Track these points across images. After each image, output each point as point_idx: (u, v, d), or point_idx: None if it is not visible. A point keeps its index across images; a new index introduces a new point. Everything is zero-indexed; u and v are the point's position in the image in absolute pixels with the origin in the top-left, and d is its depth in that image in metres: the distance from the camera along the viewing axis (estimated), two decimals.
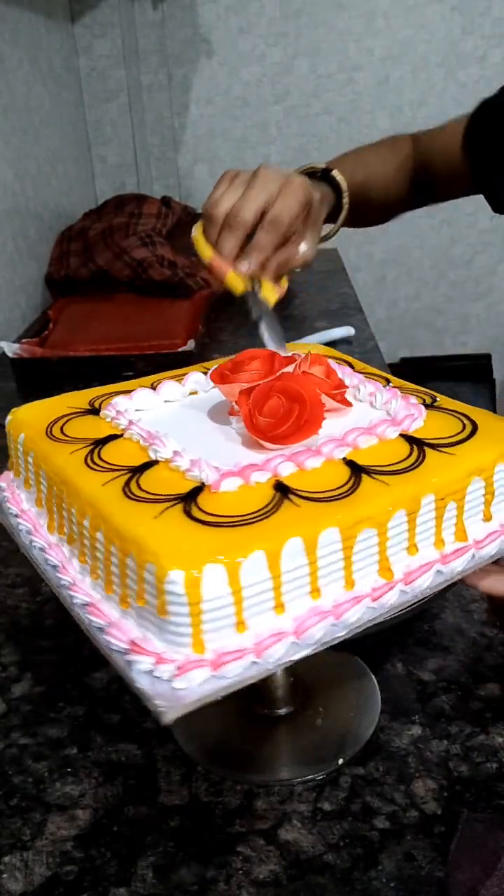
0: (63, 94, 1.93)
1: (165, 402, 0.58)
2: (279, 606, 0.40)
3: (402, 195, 0.93)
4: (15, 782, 0.53)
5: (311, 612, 0.41)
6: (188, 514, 0.41)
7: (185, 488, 0.44)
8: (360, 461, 0.46)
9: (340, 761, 0.53)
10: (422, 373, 2.49)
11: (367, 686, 0.59)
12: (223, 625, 0.39)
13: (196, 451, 0.47)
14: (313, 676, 0.60)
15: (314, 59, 2.24)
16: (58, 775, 0.54)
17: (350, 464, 0.46)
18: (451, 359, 2.58)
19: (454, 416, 0.52)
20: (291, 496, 0.43)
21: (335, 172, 0.79)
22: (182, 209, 1.89)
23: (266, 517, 0.41)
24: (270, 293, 0.66)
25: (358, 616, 0.42)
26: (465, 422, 0.51)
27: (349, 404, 0.53)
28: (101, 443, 0.51)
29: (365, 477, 0.44)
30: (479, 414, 0.52)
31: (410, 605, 0.45)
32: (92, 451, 0.50)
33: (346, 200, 0.80)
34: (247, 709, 0.58)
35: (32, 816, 0.51)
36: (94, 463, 0.48)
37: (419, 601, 0.45)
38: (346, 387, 0.55)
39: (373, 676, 0.60)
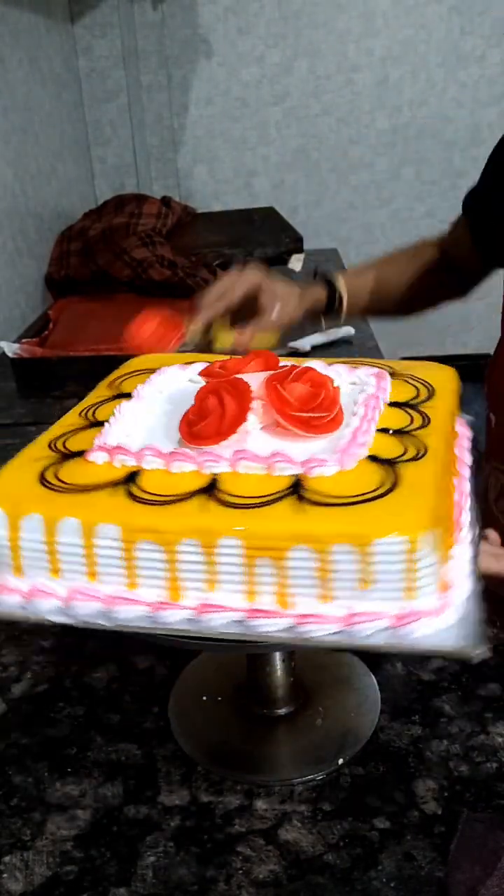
0: (63, 94, 1.93)
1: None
2: (54, 570, 0.44)
3: (421, 299, 1.02)
4: (15, 782, 0.53)
5: (84, 590, 0.44)
6: (44, 469, 0.47)
7: (76, 449, 0.49)
8: (220, 484, 0.44)
9: (340, 761, 0.53)
10: None
11: (367, 686, 0.59)
12: (2, 562, 0.45)
13: (138, 427, 0.51)
14: (313, 676, 0.60)
15: (313, 59, 2.24)
16: (58, 775, 0.54)
17: (209, 482, 0.44)
18: (451, 359, 2.57)
19: (390, 473, 0.45)
20: (127, 486, 0.44)
21: (339, 282, 0.91)
22: (182, 209, 1.89)
23: (83, 492, 0.44)
24: (225, 338, 0.79)
25: (130, 617, 0.43)
26: (384, 487, 0.44)
27: (307, 431, 0.49)
28: (118, 397, 0.56)
29: (201, 496, 0.43)
30: (408, 490, 0.44)
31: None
32: (96, 405, 0.55)
33: (342, 295, 0.90)
34: (247, 709, 0.58)
35: (32, 816, 0.51)
36: (86, 415, 0.54)
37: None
38: (320, 415, 0.49)
39: (373, 676, 0.60)
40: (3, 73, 1.50)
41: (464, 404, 0.60)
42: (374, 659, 0.62)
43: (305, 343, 1.28)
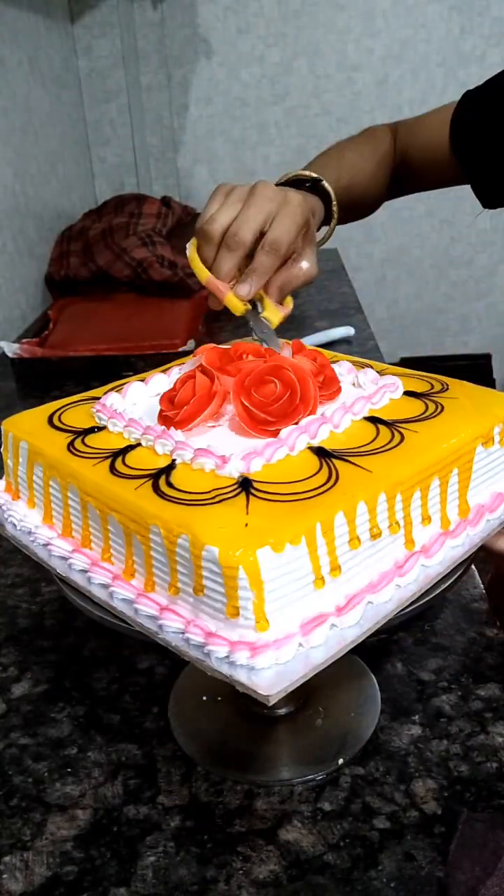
0: (62, 94, 1.93)
1: None
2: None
3: (382, 190, 0.93)
4: (15, 782, 0.53)
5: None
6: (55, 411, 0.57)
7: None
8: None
9: (340, 761, 0.53)
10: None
11: (367, 686, 0.59)
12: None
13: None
14: (313, 676, 0.60)
15: (313, 59, 2.24)
16: (58, 775, 0.54)
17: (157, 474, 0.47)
18: (451, 359, 2.58)
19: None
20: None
21: (325, 183, 0.78)
22: (182, 209, 1.89)
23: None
24: (273, 314, 0.65)
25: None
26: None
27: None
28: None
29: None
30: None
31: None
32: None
33: (335, 209, 0.79)
34: (247, 709, 0.58)
35: (33, 816, 0.51)
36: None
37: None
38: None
39: (373, 676, 0.60)
40: (3, 74, 1.50)
41: None
42: (374, 659, 0.62)
43: (305, 343, 1.28)
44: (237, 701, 0.59)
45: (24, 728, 0.58)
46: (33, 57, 1.69)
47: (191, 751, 0.55)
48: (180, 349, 1.23)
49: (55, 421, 0.55)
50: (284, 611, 0.40)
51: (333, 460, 0.45)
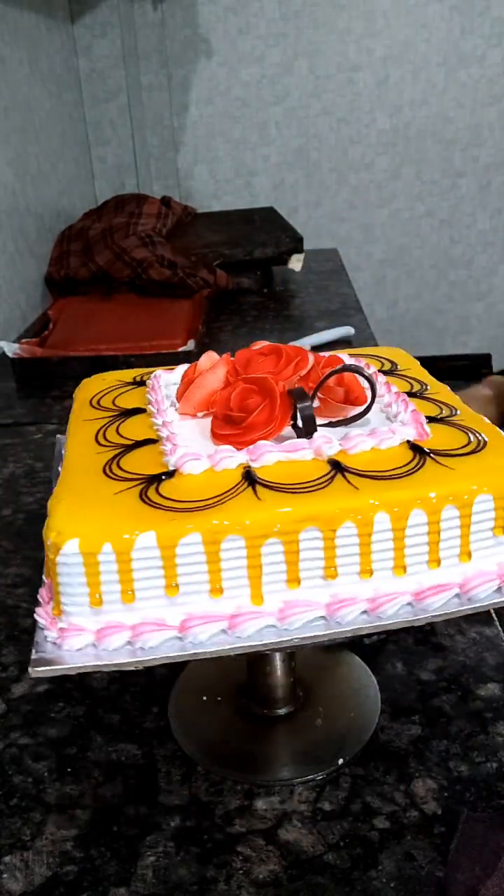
0: (63, 94, 1.93)
1: None
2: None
3: None
4: (15, 782, 0.53)
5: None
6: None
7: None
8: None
9: (340, 761, 0.53)
10: None
11: (367, 686, 0.59)
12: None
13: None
14: (313, 676, 0.60)
15: (314, 59, 2.24)
16: (58, 775, 0.54)
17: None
18: (451, 359, 2.58)
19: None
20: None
21: None
22: (182, 209, 1.89)
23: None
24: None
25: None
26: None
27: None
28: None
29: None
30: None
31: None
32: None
33: None
34: (247, 709, 0.58)
35: (32, 816, 0.51)
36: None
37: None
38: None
39: (373, 676, 0.60)
40: (4, 73, 1.50)
41: None
42: (374, 659, 0.62)
43: (305, 343, 1.28)
44: (237, 701, 0.59)
45: (24, 728, 0.58)
46: (33, 57, 1.69)
47: (191, 751, 0.55)
48: (180, 349, 1.23)
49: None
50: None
51: (255, 485, 0.44)
